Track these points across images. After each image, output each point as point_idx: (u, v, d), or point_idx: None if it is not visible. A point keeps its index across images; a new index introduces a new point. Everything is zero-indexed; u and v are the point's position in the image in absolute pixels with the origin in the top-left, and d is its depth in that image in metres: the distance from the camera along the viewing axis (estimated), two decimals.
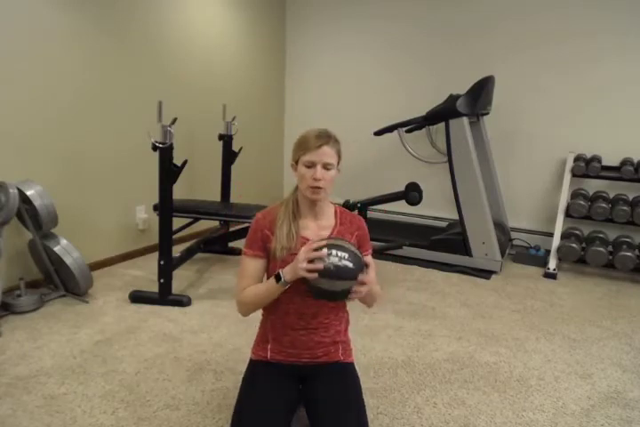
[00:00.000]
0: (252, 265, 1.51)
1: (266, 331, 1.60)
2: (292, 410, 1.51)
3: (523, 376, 2.14)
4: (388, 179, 4.47)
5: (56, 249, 2.66)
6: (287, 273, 1.37)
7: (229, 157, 3.71)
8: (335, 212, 1.58)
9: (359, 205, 3.08)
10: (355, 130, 4.55)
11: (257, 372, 1.56)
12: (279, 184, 5.11)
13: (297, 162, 1.46)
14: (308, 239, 1.49)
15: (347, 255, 1.34)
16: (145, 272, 3.23)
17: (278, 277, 1.39)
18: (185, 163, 2.70)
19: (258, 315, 1.65)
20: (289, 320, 1.52)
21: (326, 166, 1.42)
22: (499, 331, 2.58)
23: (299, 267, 1.32)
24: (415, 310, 2.82)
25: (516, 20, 3.82)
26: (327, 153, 1.42)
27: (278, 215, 1.50)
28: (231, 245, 3.73)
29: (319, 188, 1.42)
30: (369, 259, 1.50)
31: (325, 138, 1.43)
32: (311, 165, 1.42)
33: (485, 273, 3.43)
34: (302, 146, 1.44)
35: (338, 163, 1.47)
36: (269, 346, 1.57)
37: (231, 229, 3.81)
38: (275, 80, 4.80)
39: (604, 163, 3.65)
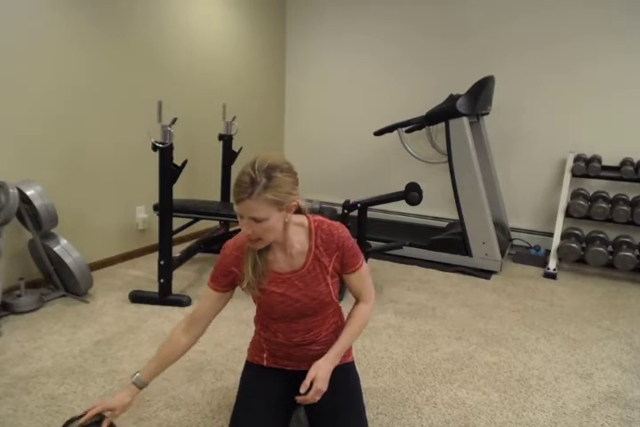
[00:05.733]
0: (210, 299, 1.44)
1: (260, 341, 1.57)
2: (291, 410, 1.51)
3: (523, 376, 2.14)
4: (388, 179, 4.47)
5: (56, 249, 2.66)
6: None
7: (229, 156, 3.71)
8: (310, 231, 1.39)
9: (359, 205, 3.07)
10: (355, 130, 4.56)
11: (254, 373, 1.56)
12: None
13: None
14: (280, 273, 1.40)
15: None
16: (145, 272, 3.23)
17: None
18: (185, 163, 2.70)
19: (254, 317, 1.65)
20: (280, 338, 1.48)
21: (255, 220, 1.23)
22: (499, 331, 2.58)
23: None
24: (415, 310, 2.82)
25: (516, 19, 3.82)
26: (251, 208, 1.20)
27: (244, 249, 1.38)
28: None
29: (255, 240, 1.28)
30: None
31: (247, 188, 1.19)
32: (242, 217, 1.25)
33: (485, 273, 3.43)
34: (232, 191, 1.27)
35: (281, 208, 1.24)
36: (265, 355, 1.55)
37: (231, 229, 3.81)
38: (275, 80, 4.80)
39: (604, 163, 3.65)
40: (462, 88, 3.45)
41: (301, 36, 4.74)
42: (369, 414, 1.79)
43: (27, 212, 2.60)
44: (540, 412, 1.89)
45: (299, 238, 1.38)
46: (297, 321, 1.45)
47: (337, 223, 1.43)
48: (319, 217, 1.45)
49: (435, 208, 4.35)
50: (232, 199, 1.27)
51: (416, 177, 4.04)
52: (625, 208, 3.36)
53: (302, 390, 1.32)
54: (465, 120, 3.33)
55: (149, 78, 3.43)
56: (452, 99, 3.38)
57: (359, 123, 4.54)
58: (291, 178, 1.25)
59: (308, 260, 1.39)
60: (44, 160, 2.86)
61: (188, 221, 3.43)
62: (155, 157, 2.64)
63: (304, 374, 1.50)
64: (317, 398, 1.33)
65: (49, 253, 2.69)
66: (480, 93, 3.31)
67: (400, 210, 4.40)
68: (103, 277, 3.10)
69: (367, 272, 1.49)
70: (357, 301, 1.52)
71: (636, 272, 3.43)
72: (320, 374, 1.34)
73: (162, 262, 2.71)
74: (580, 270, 3.61)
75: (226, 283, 1.42)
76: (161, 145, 2.58)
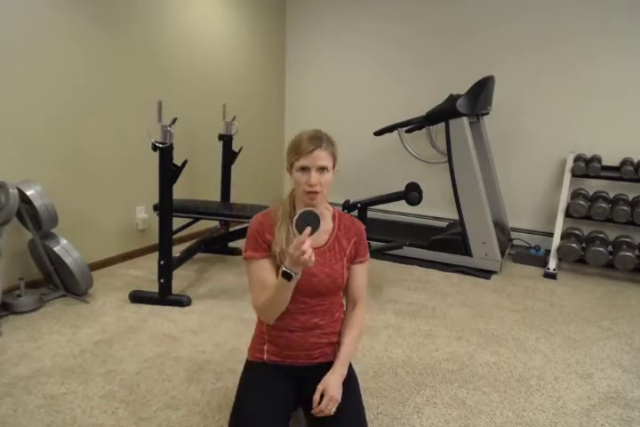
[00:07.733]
0: (263, 267, 1.47)
1: (262, 332, 1.59)
2: (290, 411, 1.51)
3: (523, 376, 2.14)
4: (388, 179, 4.47)
5: (56, 249, 2.66)
6: (293, 267, 1.31)
7: (229, 156, 3.71)
8: (333, 216, 1.57)
9: (359, 205, 3.07)
10: (355, 130, 4.56)
11: (254, 373, 1.56)
12: (279, 184, 5.11)
13: (291, 166, 1.44)
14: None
15: None
16: (145, 272, 3.23)
17: (287, 276, 1.32)
18: (185, 163, 2.70)
19: (255, 316, 1.65)
20: (284, 322, 1.51)
21: (321, 170, 1.41)
22: (499, 331, 2.58)
23: (302, 261, 1.27)
24: (415, 310, 2.82)
25: (516, 19, 3.82)
26: (320, 156, 1.40)
27: (276, 219, 1.49)
28: (231, 245, 3.73)
29: (315, 192, 1.40)
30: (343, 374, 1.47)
31: (318, 141, 1.41)
32: (305, 170, 1.40)
33: (485, 273, 3.43)
34: (295, 150, 1.42)
35: (334, 165, 1.45)
36: (266, 347, 1.57)
37: (231, 229, 3.81)
38: (275, 80, 4.80)
39: (604, 163, 3.65)
40: (462, 88, 3.45)
41: (301, 36, 4.74)
42: (369, 414, 1.79)
43: (27, 212, 2.60)
44: (539, 412, 1.89)
45: (326, 217, 1.54)
46: (307, 301, 1.49)
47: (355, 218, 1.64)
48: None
49: (435, 208, 4.35)
50: (297, 154, 1.41)
51: (416, 177, 4.04)
52: (625, 208, 3.36)
53: (314, 405, 1.38)
54: (465, 120, 3.33)
55: (149, 78, 3.43)
56: (452, 99, 3.39)
57: (359, 123, 4.54)
58: None
59: (331, 238, 1.52)
60: (44, 160, 2.86)
61: (188, 221, 3.43)
62: (155, 157, 2.64)
63: (302, 370, 1.53)
64: (333, 408, 1.38)
65: (49, 253, 2.69)
66: (480, 93, 3.32)
67: (400, 210, 4.40)
68: (103, 277, 3.10)
69: (367, 271, 1.60)
70: (352, 304, 1.59)
71: (636, 272, 3.43)
72: (329, 384, 1.42)
73: (162, 262, 2.71)
74: (580, 270, 3.61)
75: (265, 248, 1.47)
76: (161, 145, 2.58)
